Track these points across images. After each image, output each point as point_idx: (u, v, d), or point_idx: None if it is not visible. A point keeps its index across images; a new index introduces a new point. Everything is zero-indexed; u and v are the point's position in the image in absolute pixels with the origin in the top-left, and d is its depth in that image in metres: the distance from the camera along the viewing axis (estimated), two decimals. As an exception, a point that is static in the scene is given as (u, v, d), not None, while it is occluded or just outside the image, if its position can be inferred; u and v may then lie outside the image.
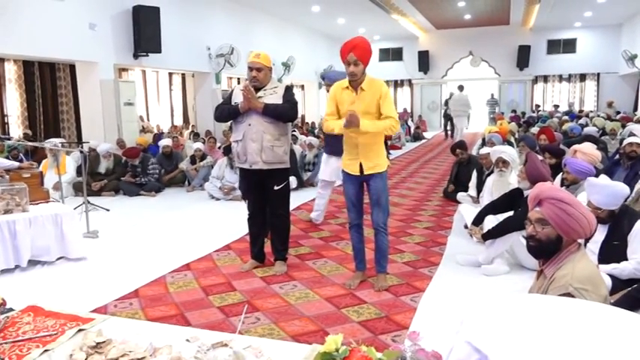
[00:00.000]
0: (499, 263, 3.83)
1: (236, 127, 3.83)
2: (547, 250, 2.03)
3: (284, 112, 3.70)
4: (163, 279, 3.79)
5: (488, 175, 5.35)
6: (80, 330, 2.26)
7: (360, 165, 3.38)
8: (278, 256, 3.98)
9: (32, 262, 4.10)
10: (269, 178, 3.78)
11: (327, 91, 4.81)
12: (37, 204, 4.42)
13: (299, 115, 9.58)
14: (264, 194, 3.85)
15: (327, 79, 4.86)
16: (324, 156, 5.43)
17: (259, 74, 3.71)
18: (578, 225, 1.97)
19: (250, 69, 3.73)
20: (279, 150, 3.74)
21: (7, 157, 7.09)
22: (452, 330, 2.62)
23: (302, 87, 19.34)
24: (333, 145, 5.00)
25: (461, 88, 15.34)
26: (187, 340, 2.14)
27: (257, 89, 3.72)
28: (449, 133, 16.57)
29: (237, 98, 3.76)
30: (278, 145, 3.73)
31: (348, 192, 3.50)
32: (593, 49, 19.02)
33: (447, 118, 16.59)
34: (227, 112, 3.82)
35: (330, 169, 5.25)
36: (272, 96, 3.72)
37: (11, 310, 2.55)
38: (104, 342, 2.04)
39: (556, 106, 18.70)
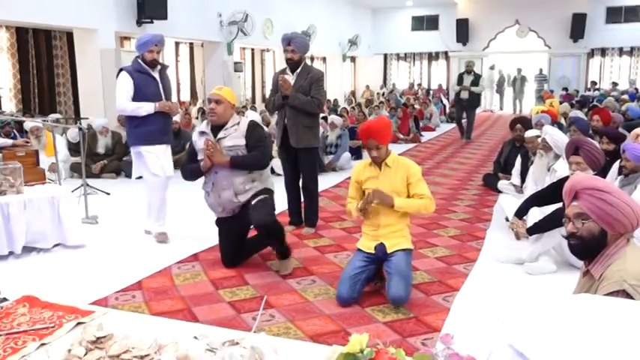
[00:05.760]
0: (545, 261, 3.80)
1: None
2: (591, 247, 2.00)
3: (254, 163, 3.85)
4: (169, 270, 3.85)
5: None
6: (79, 323, 2.31)
7: (380, 244, 3.34)
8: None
9: (27, 249, 4.20)
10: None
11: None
12: (33, 185, 4.52)
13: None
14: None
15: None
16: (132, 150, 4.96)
17: (217, 107, 3.81)
18: (622, 215, 1.93)
19: (209, 101, 3.88)
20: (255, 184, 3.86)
21: (-2, 134, 7.23)
22: (490, 333, 2.62)
23: (324, 59, 19.26)
24: (141, 129, 4.84)
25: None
26: (195, 338, 2.17)
27: (217, 128, 3.85)
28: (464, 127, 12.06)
29: (198, 146, 3.89)
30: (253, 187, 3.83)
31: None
32: (661, 18, 18.53)
33: (461, 104, 11.88)
34: (190, 172, 4.06)
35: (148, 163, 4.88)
36: (234, 134, 3.83)
37: (5, 299, 2.62)
38: (105, 337, 2.08)
39: (614, 84, 18.29)
